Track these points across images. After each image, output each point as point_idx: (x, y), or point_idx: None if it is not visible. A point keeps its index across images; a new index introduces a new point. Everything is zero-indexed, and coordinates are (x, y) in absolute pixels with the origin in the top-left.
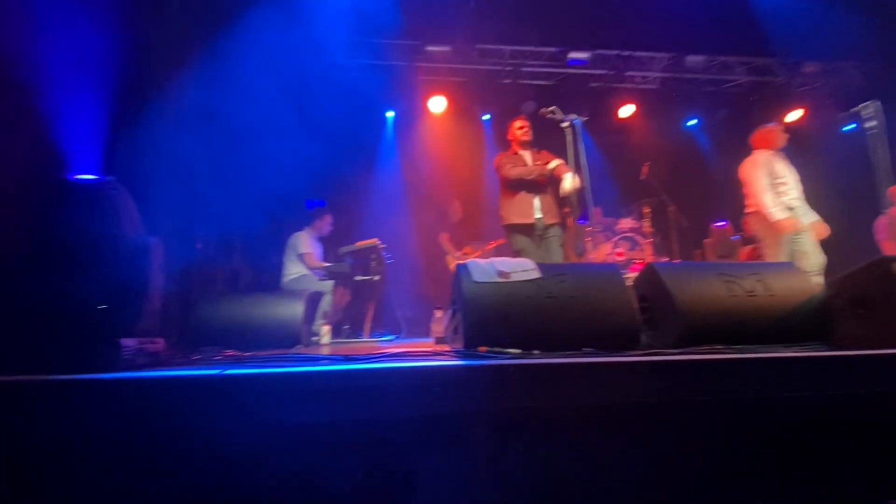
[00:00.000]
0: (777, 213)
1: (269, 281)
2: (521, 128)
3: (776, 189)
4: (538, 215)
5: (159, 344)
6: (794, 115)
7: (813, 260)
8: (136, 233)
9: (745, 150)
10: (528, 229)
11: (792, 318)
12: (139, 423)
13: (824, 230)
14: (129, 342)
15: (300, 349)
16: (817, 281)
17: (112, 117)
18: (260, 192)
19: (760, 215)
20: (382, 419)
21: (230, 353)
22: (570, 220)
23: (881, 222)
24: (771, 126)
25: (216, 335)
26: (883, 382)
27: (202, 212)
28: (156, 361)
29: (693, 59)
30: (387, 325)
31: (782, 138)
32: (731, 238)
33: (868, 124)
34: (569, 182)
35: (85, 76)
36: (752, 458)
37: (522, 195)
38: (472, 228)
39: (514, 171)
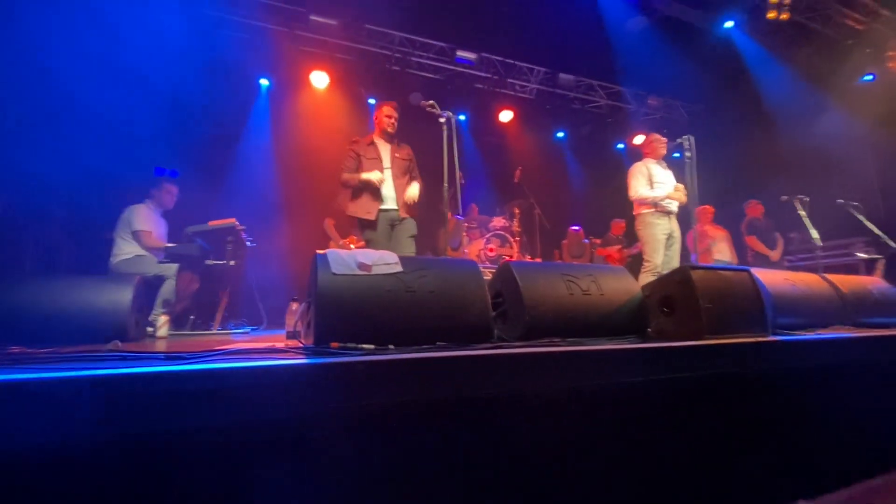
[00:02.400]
0: (650, 201)
1: (98, 260)
2: (389, 116)
3: (654, 191)
4: (390, 206)
5: None
6: (639, 139)
7: (675, 266)
8: None
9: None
10: (374, 224)
11: (616, 314)
12: None
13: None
14: None
15: (116, 345)
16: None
17: None
18: (94, 155)
19: (640, 218)
20: (207, 427)
21: (15, 350)
22: (450, 216)
23: (689, 236)
24: (655, 136)
25: (4, 327)
26: (682, 369)
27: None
28: None
29: (564, 77)
30: (246, 315)
31: (664, 147)
32: (584, 241)
33: (686, 154)
34: (412, 191)
35: None
36: (593, 443)
37: (371, 188)
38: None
39: (353, 179)
